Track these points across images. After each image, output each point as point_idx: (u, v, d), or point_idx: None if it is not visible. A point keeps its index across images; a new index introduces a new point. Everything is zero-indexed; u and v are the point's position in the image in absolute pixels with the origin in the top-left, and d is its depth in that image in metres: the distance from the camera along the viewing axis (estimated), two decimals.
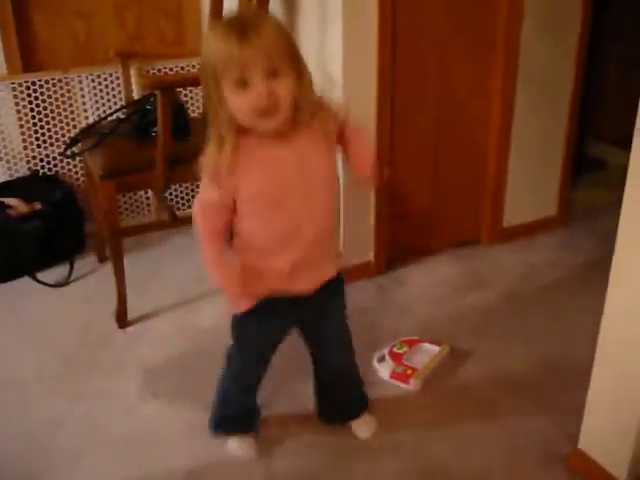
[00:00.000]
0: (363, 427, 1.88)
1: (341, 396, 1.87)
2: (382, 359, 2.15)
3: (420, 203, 2.80)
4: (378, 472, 1.77)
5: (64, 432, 1.94)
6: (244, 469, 1.79)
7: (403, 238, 2.77)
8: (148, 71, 3.00)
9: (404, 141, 2.62)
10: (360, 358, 2.13)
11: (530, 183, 2.98)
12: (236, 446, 1.82)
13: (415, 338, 2.23)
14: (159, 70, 3.07)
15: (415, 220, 2.81)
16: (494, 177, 2.88)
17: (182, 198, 3.24)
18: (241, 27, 1.32)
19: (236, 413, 1.83)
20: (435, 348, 2.18)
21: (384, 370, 2.11)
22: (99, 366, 2.23)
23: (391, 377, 2.08)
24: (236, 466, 1.80)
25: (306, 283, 1.57)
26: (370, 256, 2.71)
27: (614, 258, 1.54)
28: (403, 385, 2.06)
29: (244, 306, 1.55)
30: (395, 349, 2.17)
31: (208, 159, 1.42)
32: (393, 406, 2.00)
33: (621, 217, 1.49)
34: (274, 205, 1.47)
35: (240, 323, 1.65)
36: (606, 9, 3.24)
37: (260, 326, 1.63)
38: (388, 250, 2.73)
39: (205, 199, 1.48)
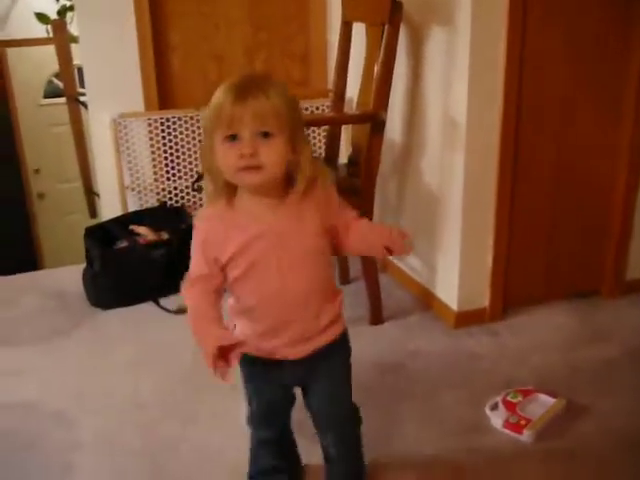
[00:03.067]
0: None
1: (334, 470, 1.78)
2: (495, 407, 2.10)
3: (539, 251, 2.74)
4: None
5: (178, 455, 2.00)
6: None
7: (519, 285, 2.72)
8: None
9: (525, 188, 2.59)
10: (473, 405, 2.14)
11: None
12: None
13: (530, 388, 2.17)
14: None
15: (532, 268, 2.75)
16: (619, 227, 2.78)
17: None
18: (243, 86, 1.35)
19: (263, 470, 1.79)
20: (551, 400, 2.11)
21: (497, 419, 2.06)
22: (212, 390, 2.28)
23: (504, 426, 2.03)
24: None
25: (290, 353, 1.53)
26: (485, 302, 2.67)
27: None
28: (516, 435, 2.00)
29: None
30: (509, 398, 2.12)
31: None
32: (504, 456, 1.95)
33: None
34: (246, 274, 1.45)
35: (242, 373, 1.64)
36: None
37: (254, 379, 1.63)
38: (504, 297, 2.69)
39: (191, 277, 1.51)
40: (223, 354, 1.35)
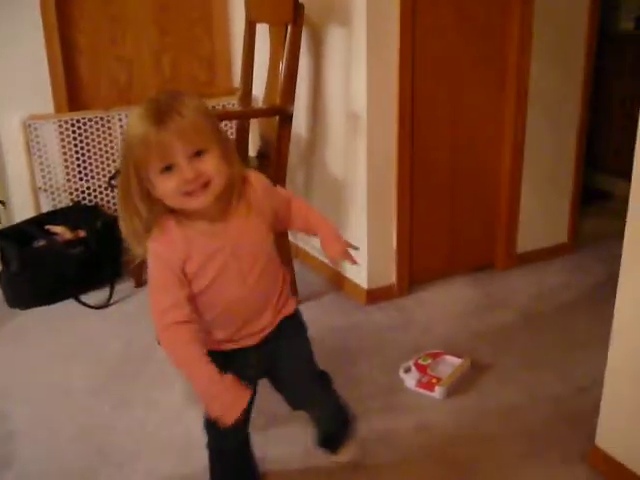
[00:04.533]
0: (344, 454, 1.87)
1: (325, 429, 1.86)
2: (408, 370, 2.31)
3: (438, 231, 2.98)
4: (405, 469, 1.91)
5: (117, 435, 2.09)
6: (291, 459, 1.94)
7: (423, 263, 2.95)
8: None
9: (423, 172, 2.82)
10: (387, 370, 2.33)
11: (541, 212, 3.16)
12: None
13: (439, 351, 2.39)
14: None
15: (434, 247, 2.99)
16: (507, 207, 3.07)
17: None
18: (157, 112, 1.29)
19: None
20: (457, 360, 2.34)
21: (410, 380, 2.26)
22: (143, 378, 2.39)
23: (417, 386, 2.24)
24: (278, 458, 1.94)
25: (251, 341, 1.57)
26: (392, 279, 2.88)
27: (620, 276, 1.72)
28: (428, 393, 2.21)
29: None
30: (420, 361, 2.33)
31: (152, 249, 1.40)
32: (420, 411, 2.15)
33: (625, 236, 1.68)
34: (208, 289, 1.46)
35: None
36: (610, 46, 3.48)
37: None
38: (409, 274, 2.91)
39: (162, 310, 1.41)
40: None
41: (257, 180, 1.50)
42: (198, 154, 1.32)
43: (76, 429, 2.13)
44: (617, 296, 1.74)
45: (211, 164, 1.33)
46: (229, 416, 1.38)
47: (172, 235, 1.39)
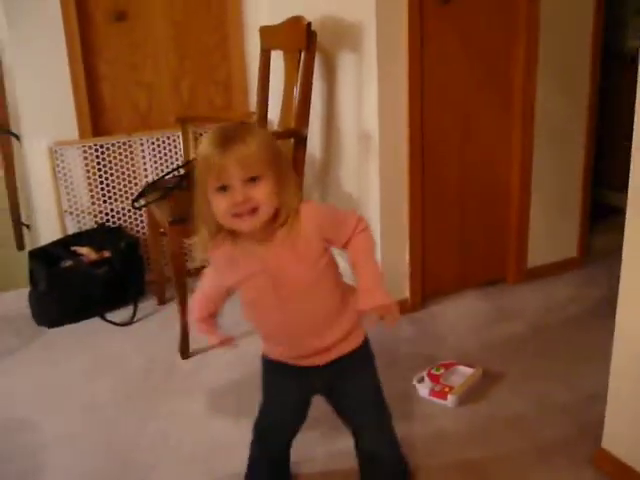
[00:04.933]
0: None
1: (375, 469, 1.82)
2: (421, 380, 2.39)
3: (450, 247, 3.07)
4: (421, 474, 2.00)
5: (141, 448, 2.19)
6: (311, 462, 2.03)
7: (435, 278, 3.04)
8: None
9: (434, 190, 2.92)
10: (402, 380, 2.42)
11: (551, 228, 3.25)
12: None
13: (451, 362, 2.47)
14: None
15: (446, 262, 3.08)
16: (517, 223, 3.16)
17: None
18: (224, 138, 1.43)
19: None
20: (469, 370, 2.42)
21: (423, 389, 2.35)
22: (166, 391, 2.50)
23: (430, 395, 2.33)
24: (298, 462, 2.03)
25: (311, 362, 1.64)
26: (406, 294, 2.97)
27: (620, 285, 1.81)
28: (441, 401, 2.30)
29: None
30: (433, 371, 2.41)
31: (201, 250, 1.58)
32: (433, 419, 2.24)
33: (624, 246, 1.77)
34: (251, 305, 1.62)
35: (264, 375, 1.77)
36: (617, 64, 3.56)
37: (272, 380, 1.75)
38: (422, 289, 3.00)
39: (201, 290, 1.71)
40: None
41: (308, 214, 1.51)
42: (253, 180, 1.42)
43: (102, 442, 2.22)
44: (618, 302, 1.83)
45: (263, 192, 1.43)
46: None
47: (219, 250, 1.55)
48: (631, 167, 1.75)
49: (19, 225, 3.89)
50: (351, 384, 1.70)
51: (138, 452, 2.16)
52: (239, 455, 2.08)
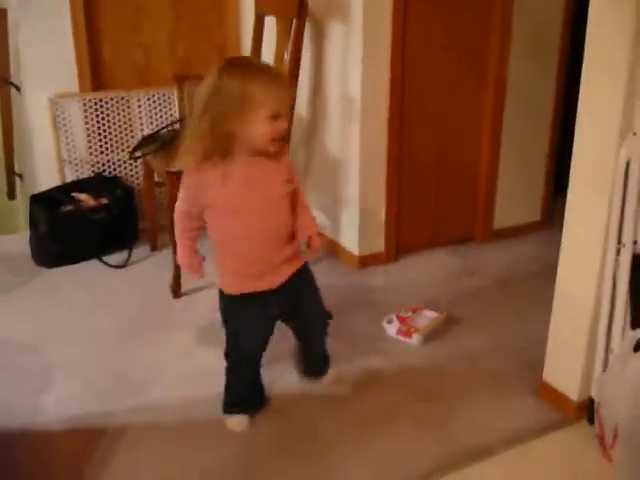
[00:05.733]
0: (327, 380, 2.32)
1: (312, 360, 2.31)
2: (390, 321, 2.66)
3: (423, 207, 3.33)
4: (384, 398, 2.27)
5: (138, 369, 2.45)
6: (290, 388, 2.30)
7: (409, 235, 3.30)
8: None
9: (411, 153, 3.17)
10: (373, 322, 2.69)
11: (517, 192, 3.52)
12: (234, 423, 2.13)
13: (419, 306, 2.74)
14: None
15: (419, 221, 3.34)
16: (485, 187, 3.43)
17: None
18: (277, 75, 1.80)
19: (245, 394, 2.18)
20: (434, 314, 2.69)
21: (392, 329, 2.62)
22: (159, 325, 2.74)
23: (397, 334, 2.60)
24: (273, 389, 2.30)
25: (267, 283, 1.96)
26: (381, 248, 3.23)
27: (563, 234, 2.08)
28: (407, 340, 2.57)
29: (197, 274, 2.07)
30: (401, 314, 2.68)
31: (188, 171, 1.86)
32: (399, 355, 2.51)
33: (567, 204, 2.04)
34: (226, 220, 1.90)
35: (227, 308, 2.06)
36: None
37: (241, 316, 2.03)
38: (396, 244, 3.26)
39: (180, 209, 1.95)
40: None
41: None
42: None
43: (103, 363, 2.48)
44: (560, 254, 2.12)
45: (286, 124, 1.84)
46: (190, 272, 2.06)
47: (212, 170, 1.81)
48: (575, 139, 1.99)
49: (12, 175, 4.06)
50: (305, 301, 2.09)
51: (132, 374, 2.42)
52: (221, 381, 2.36)
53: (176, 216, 1.98)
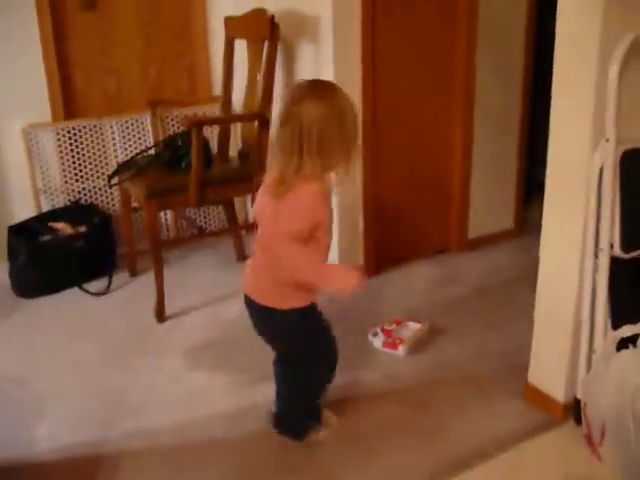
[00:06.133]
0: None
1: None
2: (376, 334, 2.70)
3: (400, 221, 3.39)
4: (374, 408, 2.31)
5: (129, 394, 2.45)
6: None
7: (388, 248, 3.35)
8: (186, 115, 3.59)
9: (385, 170, 3.23)
10: (358, 336, 2.73)
11: (490, 203, 3.60)
12: (324, 434, 2.17)
13: (402, 318, 2.79)
14: (176, 116, 3.67)
15: (397, 235, 3.40)
16: (459, 199, 3.50)
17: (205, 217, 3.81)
18: None
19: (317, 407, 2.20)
20: (417, 325, 2.74)
21: (377, 342, 2.67)
22: (146, 350, 2.75)
23: (384, 346, 2.64)
24: (266, 408, 2.32)
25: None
26: (360, 261, 3.28)
27: (541, 240, 2.15)
28: (394, 351, 2.62)
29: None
30: (386, 326, 2.73)
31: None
32: (386, 366, 2.55)
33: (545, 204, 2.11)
34: (329, 228, 1.94)
35: (309, 320, 2.01)
36: (548, 48, 3.92)
37: (321, 318, 2.06)
38: (375, 257, 3.31)
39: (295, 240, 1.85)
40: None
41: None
42: None
43: (93, 391, 2.48)
44: (540, 261, 2.19)
45: None
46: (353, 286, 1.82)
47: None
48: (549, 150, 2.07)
49: None
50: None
51: (124, 400, 2.42)
52: (215, 401, 2.39)
53: (294, 252, 1.82)
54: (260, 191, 1.94)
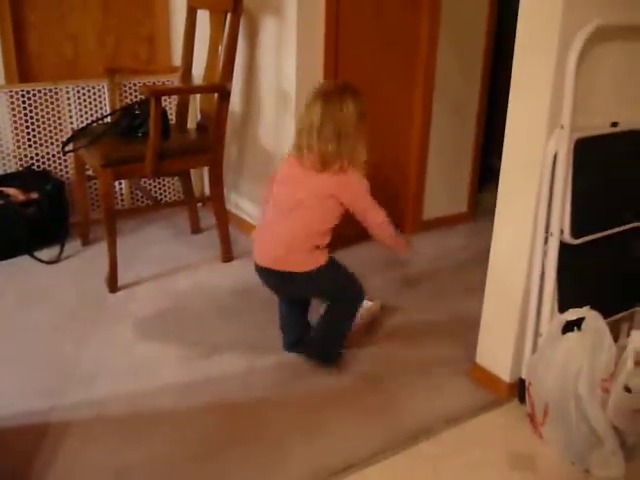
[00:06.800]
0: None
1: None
2: None
3: None
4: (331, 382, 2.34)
5: (79, 365, 2.43)
6: (233, 378, 2.34)
7: (341, 228, 3.36)
8: (145, 84, 3.54)
9: None
10: (312, 313, 2.73)
11: (445, 186, 3.65)
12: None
13: None
14: (134, 85, 3.61)
15: (350, 215, 3.41)
16: (415, 181, 3.54)
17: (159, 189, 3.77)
18: None
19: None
20: (369, 303, 2.77)
21: None
22: (97, 319, 2.72)
23: None
24: (217, 380, 2.33)
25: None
26: None
27: (495, 223, 2.20)
28: None
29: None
30: None
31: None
32: None
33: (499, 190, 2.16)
34: None
35: (335, 265, 2.39)
36: (508, 38, 3.97)
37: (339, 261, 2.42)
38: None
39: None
40: None
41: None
42: None
43: (43, 360, 2.45)
44: (492, 243, 2.23)
45: None
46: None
47: None
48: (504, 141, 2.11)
49: None
50: None
51: (74, 369, 2.40)
52: (165, 373, 2.38)
53: (384, 219, 2.36)
54: (289, 162, 2.28)
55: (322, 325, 2.45)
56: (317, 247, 2.29)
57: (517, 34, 2.01)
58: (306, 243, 2.27)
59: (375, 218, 2.34)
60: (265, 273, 2.35)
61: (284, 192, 2.30)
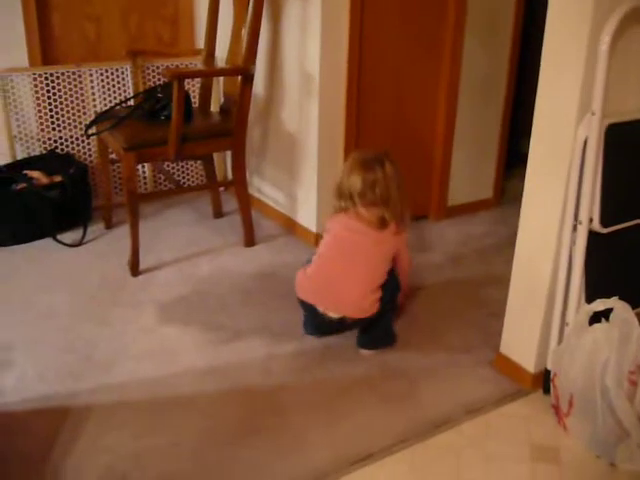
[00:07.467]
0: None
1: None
2: None
3: None
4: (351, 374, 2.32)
5: (100, 348, 2.43)
6: (253, 364, 2.32)
7: None
8: (168, 67, 3.52)
9: (368, 131, 3.20)
10: None
11: (470, 171, 3.59)
12: None
13: None
14: (157, 67, 3.59)
15: None
16: (440, 166, 3.48)
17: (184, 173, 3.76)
18: None
19: None
20: None
21: None
22: (119, 303, 2.72)
23: None
24: (237, 366, 2.32)
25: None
26: None
27: (521, 211, 2.14)
28: None
29: None
30: None
31: None
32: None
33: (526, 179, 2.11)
34: None
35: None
36: (536, 20, 3.88)
37: None
38: None
39: None
40: None
41: None
42: None
43: (64, 343, 2.45)
44: (518, 232, 2.18)
45: None
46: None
47: None
48: (534, 124, 2.05)
49: None
50: None
51: (95, 353, 2.40)
52: (186, 358, 2.37)
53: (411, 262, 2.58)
54: (344, 225, 2.39)
55: (379, 321, 2.43)
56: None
57: (548, 14, 1.95)
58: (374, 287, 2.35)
59: (408, 259, 2.52)
60: (337, 323, 2.39)
61: (351, 241, 2.36)
